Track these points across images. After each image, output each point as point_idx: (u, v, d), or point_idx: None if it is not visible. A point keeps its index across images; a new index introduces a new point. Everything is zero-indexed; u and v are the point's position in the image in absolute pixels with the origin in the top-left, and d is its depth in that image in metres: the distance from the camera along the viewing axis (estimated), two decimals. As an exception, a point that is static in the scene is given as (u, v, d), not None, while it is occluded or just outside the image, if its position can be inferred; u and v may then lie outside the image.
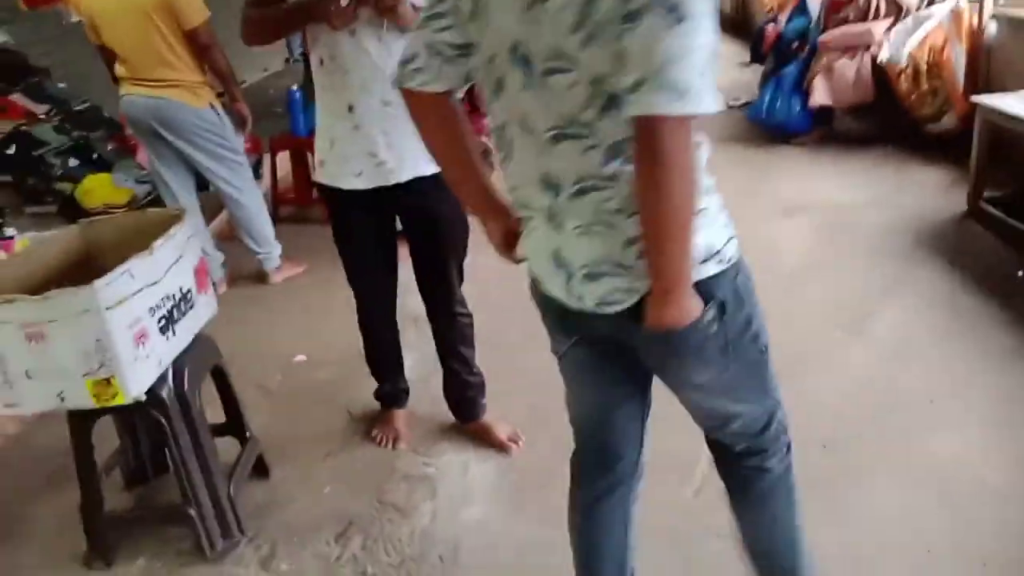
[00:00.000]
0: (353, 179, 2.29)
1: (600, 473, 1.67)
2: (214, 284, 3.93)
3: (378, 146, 2.24)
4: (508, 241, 1.53)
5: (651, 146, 1.11)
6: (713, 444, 1.64)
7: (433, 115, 1.45)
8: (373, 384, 2.76)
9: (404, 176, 2.28)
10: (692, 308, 1.28)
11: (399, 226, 2.47)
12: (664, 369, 1.47)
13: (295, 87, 4.99)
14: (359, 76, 2.19)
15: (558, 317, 1.48)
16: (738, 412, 1.51)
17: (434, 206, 2.32)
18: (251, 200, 3.99)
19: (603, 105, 1.19)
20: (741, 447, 1.58)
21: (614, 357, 1.50)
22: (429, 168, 2.23)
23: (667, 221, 1.17)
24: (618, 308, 1.33)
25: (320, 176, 2.37)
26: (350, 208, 2.36)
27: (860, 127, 5.59)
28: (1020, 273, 3.39)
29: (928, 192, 4.42)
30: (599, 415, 1.63)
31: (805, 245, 3.94)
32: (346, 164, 2.28)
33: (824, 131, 5.51)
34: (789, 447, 1.61)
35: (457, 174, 1.54)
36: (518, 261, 1.54)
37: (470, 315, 2.58)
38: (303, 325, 3.69)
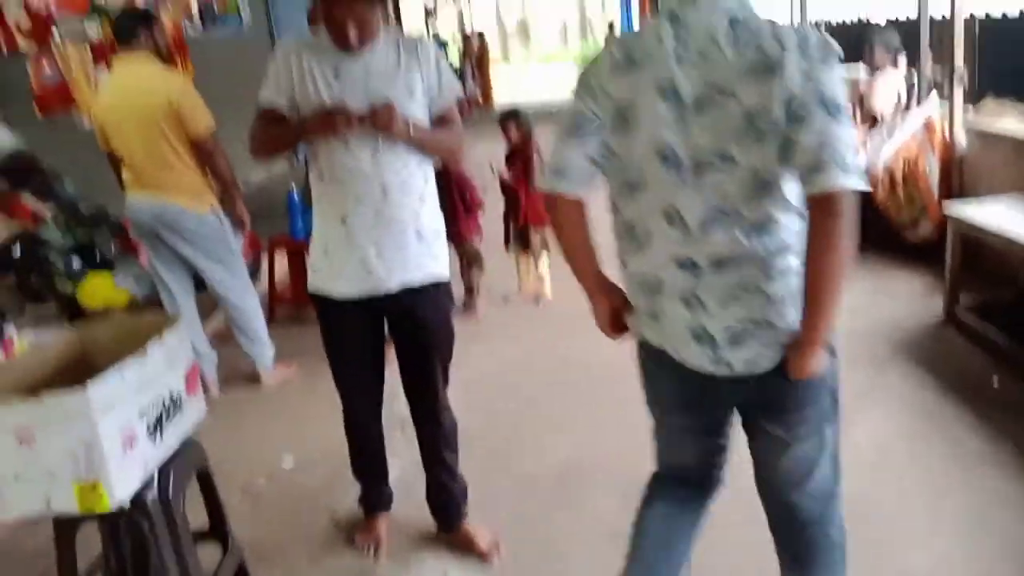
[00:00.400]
0: (344, 287, 2.36)
1: (682, 487, 1.88)
2: (206, 384, 4.03)
3: (369, 256, 2.31)
4: (615, 319, 1.80)
5: (832, 214, 1.39)
6: (779, 515, 1.80)
7: (574, 215, 1.72)
8: (358, 489, 2.79)
9: (394, 286, 2.35)
10: (825, 358, 1.56)
11: (387, 331, 2.55)
12: (777, 421, 1.67)
13: (294, 190, 5.16)
14: (353, 188, 2.28)
15: (680, 383, 1.70)
16: (820, 461, 1.70)
17: (422, 313, 2.41)
18: (247, 302, 4.09)
19: (755, 191, 1.46)
20: (807, 513, 1.75)
21: (721, 418, 1.77)
22: (417, 278, 2.36)
23: (837, 278, 1.43)
24: (767, 367, 1.56)
25: (313, 282, 2.45)
26: (340, 314, 2.42)
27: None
28: (995, 380, 3.46)
29: (905, 298, 4.53)
30: (694, 461, 1.86)
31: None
32: (338, 272, 2.35)
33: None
34: (843, 520, 1.81)
35: (582, 264, 1.79)
36: (622, 337, 1.82)
37: (454, 420, 2.64)
38: (292, 428, 3.73)
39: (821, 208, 1.41)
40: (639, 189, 1.58)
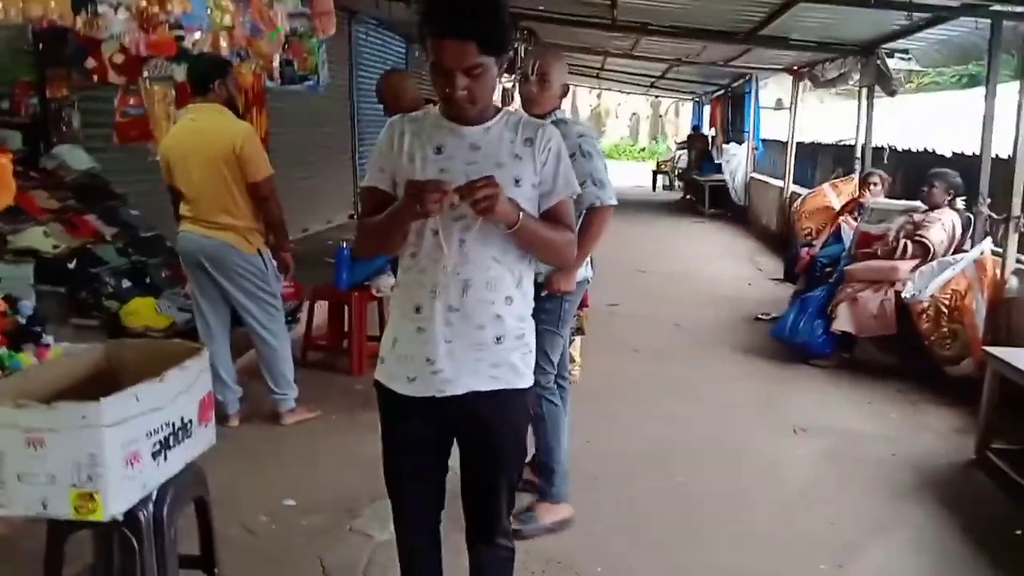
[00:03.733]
0: (407, 383, 2.11)
1: None
2: (226, 415, 4.12)
3: (438, 353, 2.05)
4: None
5: None
6: None
7: None
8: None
9: (460, 388, 2.08)
10: None
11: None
12: None
13: (344, 243, 5.33)
14: (432, 279, 2.05)
15: None
16: None
17: (492, 426, 2.14)
18: (279, 343, 4.19)
19: None
20: None
21: None
22: (487, 384, 2.09)
23: None
24: None
25: (378, 373, 2.21)
26: (401, 412, 2.16)
27: (882, 358, 5.66)
28: (1019, 531, 3.33)
29: (939, 433, 4.42)
30: None
31: (807, 470, 3.94)
32: (402, 366, 2.12)
33: (844, 357, 5.59)
34: None
35: None
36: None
37: (512, 549, 2.30)
38: (301, 469, 3.76)
39: None
40: None
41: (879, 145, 8.29)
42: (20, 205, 4.73)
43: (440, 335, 2.04)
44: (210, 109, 3.94)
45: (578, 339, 4.95)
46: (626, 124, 33.27)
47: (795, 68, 10.20)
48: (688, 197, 16.63)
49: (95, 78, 4.84)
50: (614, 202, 3.11)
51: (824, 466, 3.98)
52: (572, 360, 4.98)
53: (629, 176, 21.63)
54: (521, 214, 1.96)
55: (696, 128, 19.08)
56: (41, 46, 5.11)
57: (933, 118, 8.85)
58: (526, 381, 2.16)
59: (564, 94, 3.13)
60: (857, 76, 8.06)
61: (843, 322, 5.43)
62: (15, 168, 4.62)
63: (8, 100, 5.11)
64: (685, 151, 18.44)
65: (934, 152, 7.05)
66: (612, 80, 17.59)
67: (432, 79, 1.96)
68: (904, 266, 5.39)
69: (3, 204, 2.65)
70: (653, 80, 15.73)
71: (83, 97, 5.44)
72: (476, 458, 2.21)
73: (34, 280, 4.63)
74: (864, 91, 8.22)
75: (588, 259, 3.23)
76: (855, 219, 6.68)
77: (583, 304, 4.83)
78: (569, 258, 2.19)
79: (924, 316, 5.01)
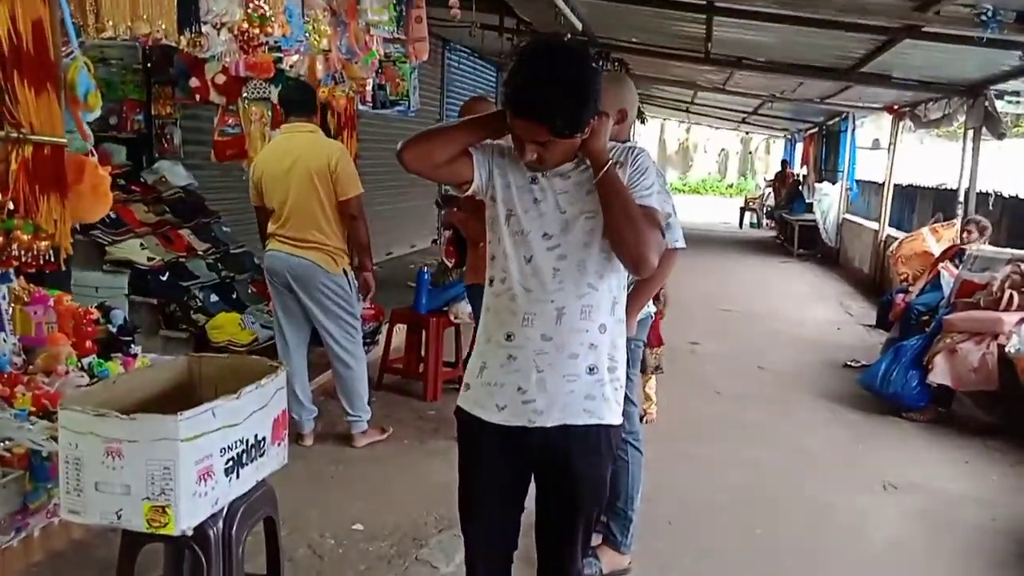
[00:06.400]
0: (495, 412, 2.06)
1: None
2: (301, 435, 4.16)
3: (530, 382, 2.01)
4: None
5: None
6: None
7: None
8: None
9: (551, 421, 2.02)
10: None
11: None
12: None
13: (425, 268, 5.37)
14: (524, 305, 2.02)
15: None
16: None
17: (577, 462, 2.06)
18: (357, 364, 4.21)
19: None
20: None
21: None
22: (579, 418, 2.04)
23: None
24: None
25: (462, 400, 2.15)
26: (484, 441, 2.11)
27: (981, 414, 5.34)
28: None
29: (1046, 498, 4.13)
30: None
31: (894, 531, 3.71)
32: (491, 394, 2.06)
33: (939, 411, 5.29)
34: None
35: None
36: None
37: None
38: (370, 493, 3.75)
39: None
40: None
41: (984, 190, 7.91)
42: (120, 217, 4.94)
43: (532, 364, 2.01)
44: (305, 129, 4.03)
45: (654, 377, 4.83)
46: (715, 159, 32.83)
47: (895, 107, 9.87)
48: (778, 237, 16.22)
49: (197, 97, 5.03)
50: (681, 245, 2.95)
51: (914, 527, 3.74)
52: (648, 399, 4.87)
53: (716, 212, 21.32)
54: (610, 165, 1.96)
55: (785, 163, 18.67)
56: (149, 65, 5.35)
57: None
58: (617, 417, 2.11)
59: (621, 120, 2.96)
60: (962, 117, 7.74)
61: (940, 374, 5.14)
62: (118, 181, 4.85)
63: (116, 116, 5.35)
64: (772, 189, 18.06)
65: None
66: (702, 115, 17.41)
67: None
68: (1009, 318, 5.09)
69: (100, 215, 2.74)
70: (744, 116, 15.48)
71: (185, 115, 5.66)
72: (555, 496, 2.13)
73: (128, 291, 4.81)
74: (970, 133, 7.88)
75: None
76: (956, 266, 6.36)
77: (658, 342, 4.72)
78: (650, 246, 1.97)
79: (1030, 373, 4.71)
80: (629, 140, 3.00)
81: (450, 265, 5.12)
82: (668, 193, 3.06)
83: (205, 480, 2.09)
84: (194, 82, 4.94)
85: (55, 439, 2.49)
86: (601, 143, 1.98)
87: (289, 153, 3.97)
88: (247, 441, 2.25)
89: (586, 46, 2.02)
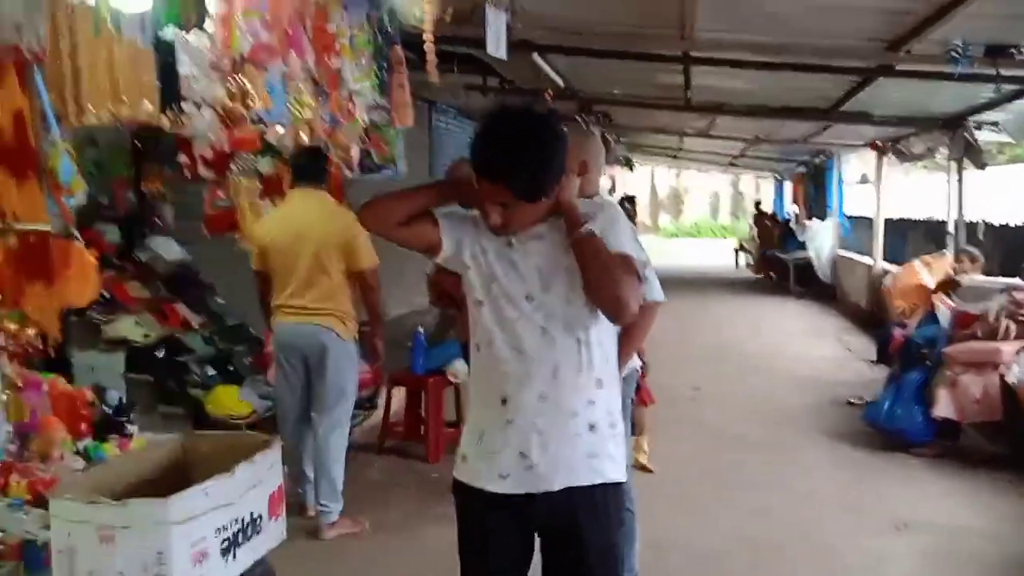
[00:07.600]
0: (498, 481, 1.99)
1: None
2: (305, 508, 4.07)
3: (531, 445, 1.97)
4: None
5: None
6: None
7: None
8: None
9: (556, 484, 1.97)
10: None
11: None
12: None
13: (420, 329, 5.35)
14: (517, 367, 1.98)
15: None
16: None
17: (584, 526, 2.00)
18: (343, 444, 4.03)
19: None
20: None
21: None
22: (585, 478, 1.99)
23: None
24: None
25: (460, 473, 2.08)
26: (487, 513, 2.04)
27: (989, 446, 5.29)
28: None
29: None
30: None
31: (908, 570, 3.65)
32: (492, 463, 2.00)
33: (946, 445, 5.24)
34: None
35: None
36: None
37: None
38: (376, 564, 3.69)
39: None
40: None
41: (972, 220, 7.96)
42: (114, 295, 4.94)
43: (532, 425, 1.97)
44: (317, 196, 3.98)
45: (647, 435, 4.71)
46: (706, 201, 33.11)
47: (878, 143, 9.99)
48: (769, 275, 16.27)
49: (187, 173, 5.07)
50: (660, 298, 2.92)
51: (928, 567, 3.68)
52: (639, 449, 4.72)
53: (711, 253, 21.40)
54: (588, 225, 1.95)
55: (758, 205, 19.01)
56: (138, 143, 5.41)
57: (1029, 190, 8.50)
58: (622, 474, 2.08)
59: (583, 172, 2.91)
60: (945, 150, 7.82)
61: (944, 407, 5.11)
62: (111, 260, 4.87)
63: (108, 195, 5.39)
64: (756, 228, 18.26)
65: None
66: (690, 159, 17.60)
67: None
68: (1008, 348, 5.08)
69: (89, 299, 2.75)
70: (731, 158, 15.66)
71: (176, 191, 5.70)
72: (562, 562, 2.05)
73: (125, 368, 4.79)
74: (953, 164, 7.96)
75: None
76: (951, 298, 6.36)
77: (648, 400, 4.58)
78: (627, 290, 1.94)
79: (1032, 402, 4.69)
80: (597, 194, 3.02)
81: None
82: (641, 246, 3.06)
83: (200, 562, 2.06)
84: (183, 158, 4.98)
85: (49, 527, 2.47)
86: (568, 197, 2.02)
87: (300, 221, 3.90)
88: (243, 519, 2.24)
89: (552, 111, 2.05)
